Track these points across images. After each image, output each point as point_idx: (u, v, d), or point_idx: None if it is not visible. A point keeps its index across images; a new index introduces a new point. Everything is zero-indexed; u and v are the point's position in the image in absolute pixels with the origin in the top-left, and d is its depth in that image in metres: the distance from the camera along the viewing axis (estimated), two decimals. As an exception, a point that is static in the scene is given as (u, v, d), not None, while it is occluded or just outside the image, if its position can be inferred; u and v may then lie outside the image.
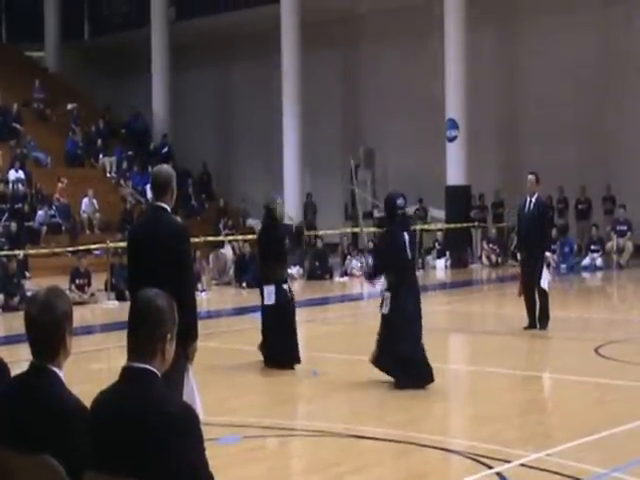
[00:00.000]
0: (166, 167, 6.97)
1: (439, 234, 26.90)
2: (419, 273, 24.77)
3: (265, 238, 12.23)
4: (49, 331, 3.83)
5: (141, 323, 3.66)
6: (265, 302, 11.81)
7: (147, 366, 3.60)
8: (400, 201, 10.43)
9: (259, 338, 11.96)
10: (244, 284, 21.95)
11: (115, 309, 18.01)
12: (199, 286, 20.21)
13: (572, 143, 27.60)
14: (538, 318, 13.82)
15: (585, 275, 23.75)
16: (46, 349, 3.85)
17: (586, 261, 24.55)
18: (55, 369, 3.85)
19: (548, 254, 13.93)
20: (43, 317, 3.82)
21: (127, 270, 6.93)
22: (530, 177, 14.38)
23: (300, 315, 17.98)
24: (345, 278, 23.71)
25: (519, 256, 14.75)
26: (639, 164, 26.42)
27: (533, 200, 14.14)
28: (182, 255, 6.48)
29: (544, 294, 13.77)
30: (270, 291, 11.66)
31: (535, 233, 13.98)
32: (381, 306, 10.38)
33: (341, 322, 16.90)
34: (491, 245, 26.00)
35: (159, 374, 3.62)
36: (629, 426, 8.22)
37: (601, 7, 28.10)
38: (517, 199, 15.37)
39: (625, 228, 24.87)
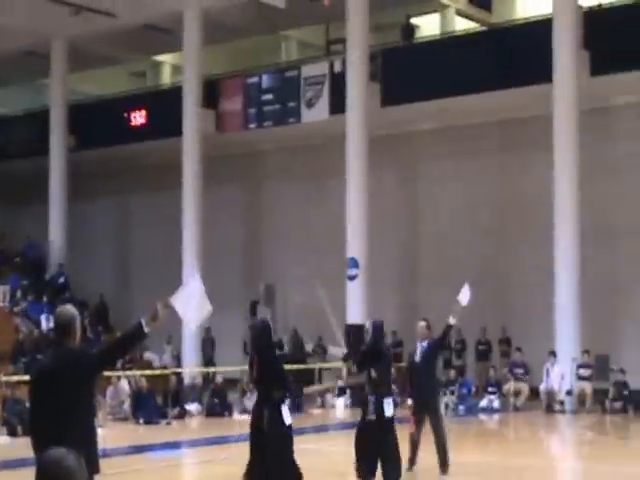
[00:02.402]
0: (69, 307, 6.95)
1: (343, 372, 26.78)
2: (319, 411, 24.80)
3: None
4: None
5: None
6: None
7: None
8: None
9: (155, 477, 11.59)
10: (140, 420, 21.47)
11: (7, 445, 17.38)
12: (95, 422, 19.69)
13: (470, 285, 28.03)
14: (440, 462, 13.82)
15: (482, 417, 23.88)
16: None
17: (483, 402, 24.74)
18: None
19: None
20: None
21: (30, 409, 6.76)
22: (421, 323, 14.56)
23: (198, 455, 17.69)
24: (245, 415, 23.34)
25: (411, 402, 14.79)
26: (534, 306, 26.99)
27: (425, 345, 14.31)
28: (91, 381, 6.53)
29: (442, 437, 13.86)
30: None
31: (427, 380, 14.17)
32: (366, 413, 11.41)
33: (242, 462, 16.52)
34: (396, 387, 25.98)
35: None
36: None
37: (499, 153, 29.10)
38: (415, 340, 15.44)
39: (521, 371, 25.25)
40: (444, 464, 13.82)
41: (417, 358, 14.37)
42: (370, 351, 12.11)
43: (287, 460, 10.66)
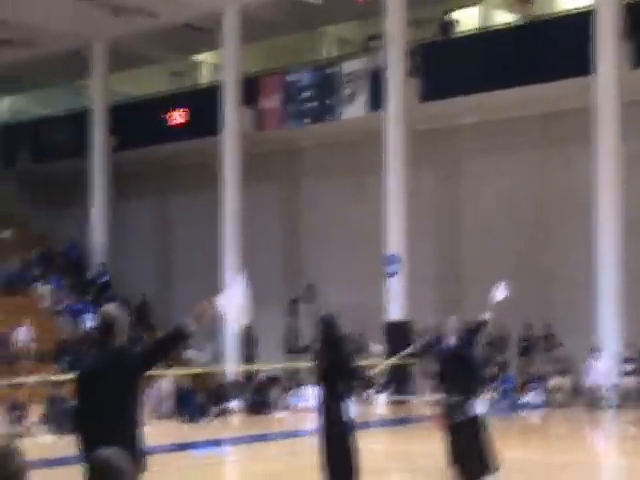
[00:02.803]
0: (113, 307, 6.92)
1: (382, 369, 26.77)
2: (361, 409, 24.75)
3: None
4: None
5: None
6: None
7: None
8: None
9: (198, 475, 11.65)
10: (183, 418, 21.58)
11: (51, 443, 17.52)
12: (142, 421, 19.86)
13: (512, 280, 27.84)
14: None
15: (524, 413, 23.72)
16: None
17: (526, 399, 24.57)
18: None
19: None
20: None
21: (75, 409, 6.77)
22: (452, 319, 14.51)
23: (240, 452, 17.74)
24: (285, 413, 23.40)
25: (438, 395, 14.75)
26: (577, 301, 26.74)
27: (455, 342, 14.23)
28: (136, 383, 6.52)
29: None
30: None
31: (459, 375, 14.11)
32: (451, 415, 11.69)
33: (281, 459, 16.56)
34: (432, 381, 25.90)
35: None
36: None
37: (539, 147, 28.85)
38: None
39: (564, 366, 25.05)
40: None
41: (448, 354, 14.27)
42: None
43: (352, 452, 11.02)
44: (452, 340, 12.45)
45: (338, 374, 11.92)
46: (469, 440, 11.95)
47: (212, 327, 26.73)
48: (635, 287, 24.79)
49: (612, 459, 17.12)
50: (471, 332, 14.82)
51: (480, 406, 12.18)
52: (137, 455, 6.20)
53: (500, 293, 13.62)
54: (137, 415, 6.59)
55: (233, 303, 6.79)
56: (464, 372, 12.26)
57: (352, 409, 11.40)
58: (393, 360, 19.01)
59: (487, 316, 13.72)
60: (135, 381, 6.53)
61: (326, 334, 12.21)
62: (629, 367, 24.12)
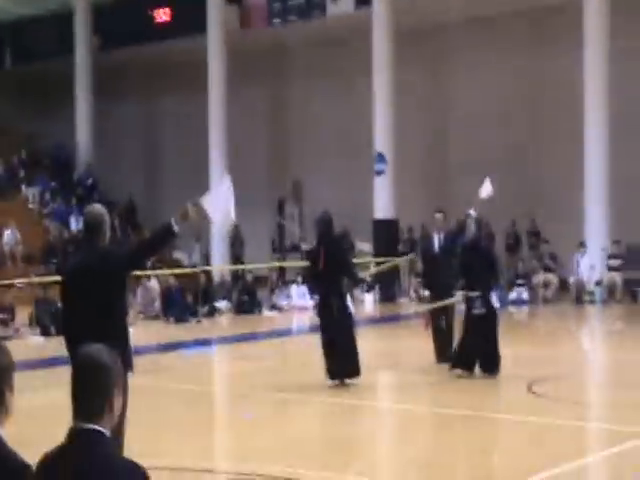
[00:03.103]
0: (98, 207, 6.86)
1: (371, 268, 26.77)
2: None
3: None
4: None
5: (86, 383, 3.48)
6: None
7: (95, 426, 3.45)
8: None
9: (188, 374, 11.74)
10: (171, 318, 21.67)
11: (40, 344, 17.60)
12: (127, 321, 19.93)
13: (498, 176, 27.80)
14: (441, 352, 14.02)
15: (512, 309, 23.89)
16: None
17: (513, 295, 24.73)
18: None
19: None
20: None
21: (62, 309, 6.77)
22: (438, 215, 14.54)
23: (229, 351, 17.85)
24: (274, 312, 23.52)
25: (426, 293, 14.84)
26: (564, 198, 26.75)
27: (442, 237, 14.25)
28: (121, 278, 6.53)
29: (449, 327, 14.10)
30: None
31: (446, 271, 14.14)
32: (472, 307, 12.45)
33: (270, 358, 16.67)
34: (419, 279, 25.99)
35: (108, 433, 3.47)
36: (570, 466, 8.16)
37: (527, 45, 28.52)
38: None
39: (550, 262, 25.17)
40: (447, 353, 13.83)
41: (435, 249, 14.31)
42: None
43: (353, 343, 12.13)
44: (470, 233, 12.72)
45: (339, 271, 12.24)
46: (485, 334, 12.45)
47: (200, 228, 26.67)
48: (622, 184, 24.76)
49: (598, 353, 17.30)
50: (455, 232, 14.93)
51: (496, 300, 12.71)
52: (124, 354, 6.19)
53: (485, 190, 13.58)
54: (124, 314, 6.59)
55: (218, 204, 6.72)
56: (484, 266, 12.64)
57: (351, 304, 12.03)
58: (388, 265, 19.15)
59: (472, 212, 13.69)
60: (121, 280, 6.51)
61: (324, 233, 12.49)
62: (615, 263, 24.25)
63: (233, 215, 6.79)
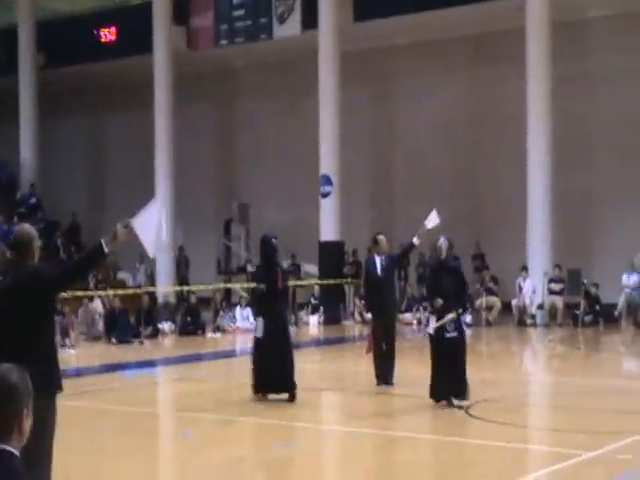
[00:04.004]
0: (27, 226, 6.81)
1: (315, 289, 26.82)
2: (292, 329, 24.93)
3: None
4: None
5: None
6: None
7: (4, 446, 3.46)
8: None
9: (130, 396, 11.68)
10: (113, 339, 21.52)
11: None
12: (67, 342, 19.80)
13: (444, 200, 28.07)
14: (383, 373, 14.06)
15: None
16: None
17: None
18: None
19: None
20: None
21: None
22: (381, 237, 14.63)
23: (172, 372, 17.77)
24: (217, 334, 23.44)
25: (369, 315, 14.95)
26: (507, 222, 27.04)
27: (384, 259, 14.38)
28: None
29: (392, 349, 14.14)
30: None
31: (390, 293, 14.32)
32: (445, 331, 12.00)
33: (213, 379, 16.62)
34: (363, 301, 26.06)
35: (17, 453, 3.47)
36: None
37: (473, 67, 28.89)
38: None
39: (493, 286, 25.39)
40: (388, 376, 13.97)
41: (378, 272, 14.38)
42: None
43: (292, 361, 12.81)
44: (441, 254, 12.63)
45: (276, 294, 12.50)
46: (455, 359, 12.10)
47: (143, 248, 26.51)
48: (564, 207, 25.12)
49: (539, 376, 17.46)
50: (399, 255, 15.08)
51: (464, 323, 12.64)
52: (51, 375, 6.15)
53: (431, 220, 13.67)
54: (51, 334, 6.54)
55: (148, 225, 6.72)
56: (454, 287, 12.34)
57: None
58: None
59: (415, 241, 13.84)
60: (49, 301, 6.47)
61: (275, 254, 12.81)
62: (556, 286, 24.53)
63: (164, 236, 6.83)
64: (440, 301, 12.12)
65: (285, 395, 12.69)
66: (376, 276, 14.43)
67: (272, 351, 12.58)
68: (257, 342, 12.93)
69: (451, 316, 12.02)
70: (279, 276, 12.83)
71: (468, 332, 23.76)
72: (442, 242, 12.66)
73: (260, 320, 13.00)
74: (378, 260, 14.44)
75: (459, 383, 12.12)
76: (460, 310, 12.32)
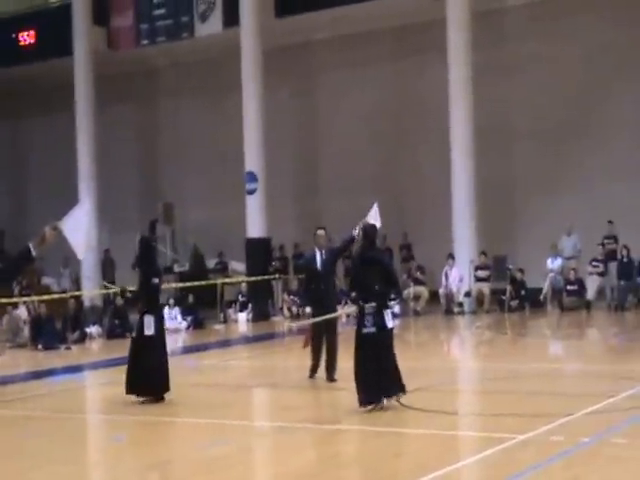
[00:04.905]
0: None
1: (243, 287, 26.69)
2: (221, 327, 24.82)
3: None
4: None
5: None
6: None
7: None
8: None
9: (57, 402, 11.53)
10: (40, 346, 21.20)
11: None
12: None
13: (369, 192, 28.14)
14: (327, 368, 14.04)
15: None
16: None
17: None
18: None
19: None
20: None
21: None
22: (320, 232, 14.62)
23: (100, 376, 17.55)
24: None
25: (308, 309, 14.87)
26: (433, 211, 27.23)
27: (324, 254, 14.37)
28: None
29: (334, 345, 14.08)
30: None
31: (329, 287, 14.27)
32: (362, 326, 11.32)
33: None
34: (292, 297, 26.07)
35: None
36: (432, 475, 8.25)
37: (395, 59, 29.03)
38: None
39: (420, 275, 25.53)
40: (331, 371, 13.99)
41: (318, 266, 14.35)
42: None
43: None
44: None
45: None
46: (380, 355, 11.35)
47: (67, 252, 26.19)
48: (488, 195, 25.35)
49: (467, 362, 17.59)
50: (339, 249, 14.91)
51: (389, 318, 11.52)
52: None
53: (372, 217, 13.55)
54: None
55: (77, 227, 6.63)
56: (377, 278, 11.54)
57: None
58: None
59: (355, 234, 13.42)
60: None
61: (141, 254, 12.95)
62: (483, 273, 24.78)
63: (93, 238, 6.75)
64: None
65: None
66: (316, 270, 14.42)
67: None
68: (151, 339, 13.09)
69: (341, 312, 11.45)
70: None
71: (396, 322, 24.04)
72: (356, 232, 12.43)
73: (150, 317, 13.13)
74: (318, 254, 14.43)
75: (387, 381, 11.38)
76: (373, 304, 11.31)
